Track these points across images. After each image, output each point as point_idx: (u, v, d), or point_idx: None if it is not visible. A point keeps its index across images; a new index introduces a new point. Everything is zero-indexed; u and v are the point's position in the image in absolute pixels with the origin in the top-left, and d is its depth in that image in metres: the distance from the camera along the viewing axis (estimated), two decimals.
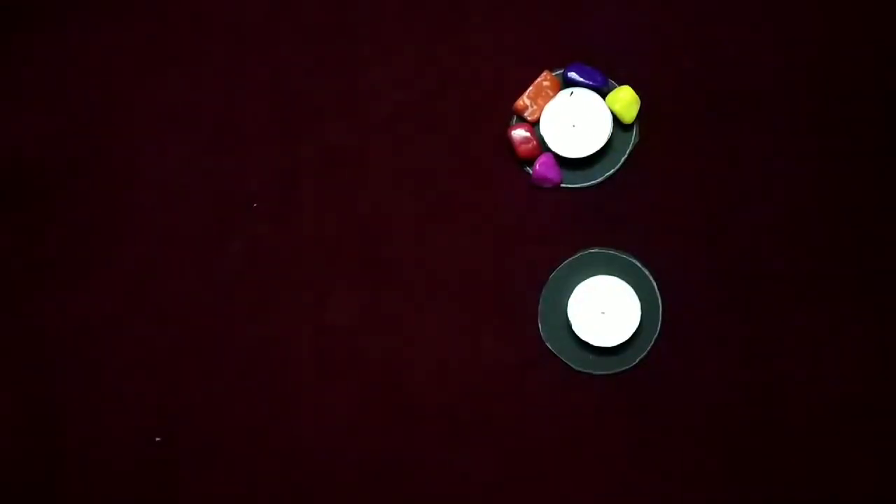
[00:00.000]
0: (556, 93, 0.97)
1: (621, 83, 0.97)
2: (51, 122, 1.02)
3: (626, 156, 0.97)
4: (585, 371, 0.94)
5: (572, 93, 0.97)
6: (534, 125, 0.98)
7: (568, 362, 0.95)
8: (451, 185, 0.98)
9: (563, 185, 0.97)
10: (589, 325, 0.93)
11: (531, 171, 0.98)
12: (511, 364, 0.95)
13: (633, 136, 0.97)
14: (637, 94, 0.96)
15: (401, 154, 0.99)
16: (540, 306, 0.96)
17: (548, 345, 0.95)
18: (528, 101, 0.98)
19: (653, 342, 0.94)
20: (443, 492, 0.93)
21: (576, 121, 0.96)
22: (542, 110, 0.97)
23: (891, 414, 0.91)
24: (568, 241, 0.96)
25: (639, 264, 0.95)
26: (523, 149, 0.97)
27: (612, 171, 0.96)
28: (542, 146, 0.97)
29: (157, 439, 0.95)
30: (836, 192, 0.95)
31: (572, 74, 0.97)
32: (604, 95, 0.97)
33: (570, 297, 0.94)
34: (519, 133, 0.97)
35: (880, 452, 0.91)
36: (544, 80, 0.98)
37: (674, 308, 0.94)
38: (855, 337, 0.93)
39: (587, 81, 0.97)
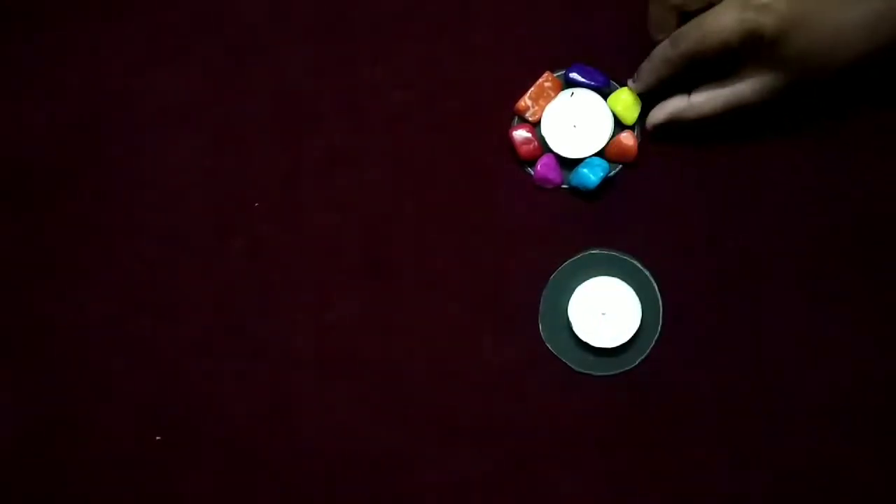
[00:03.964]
0: (557, 93, 0.97)
1: (623, 84, 0.97)
2: (51, 122, 1.02)
3: None
4: (586, 372, 0.94)
5: (573, 93, 0.97)
6: (535, 126, 0.98)
7: (568, 363, 0.95)
8: (452, 186, 0.98)
9: (563, 186, 0.97)
10: (589, 326, 0.93)
11: (532, 172, 0.98)
12: (511, 365, 0.95)
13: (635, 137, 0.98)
14: (638, 95, 0.96)
15: (401, 154, 0.99)
16: (540, 307, 0.96)
17: (548, 346, 0.95)
18: (529, 102, 0.98)
19: (653, 343, 0.94)
20: (442, 492, 0.93)
21: (577, 121, 0.96)
22: (543, 111, 0.97)
23: (891, 413, 0.91)
24: (568, 241, 0.96)
25: (639, 265, 0.95)
26: (524, 150, 0.97)
27: (612, 173, 0.96)
28: (544, 147, 0.97)
29: (158, 439, 0.95)
30: (838, 193, 0.95)
31: (574, 75, 0.97)
32: (605, 96, 0.97)
33: (570, 297, 0.94)
34: (520, 134, 0.97)
35: (881, 452, 0.91)
36: (546, 80, 0.98)
37: (674, 309, 0.94)
38: (855, 337, 0.93)
39: (588, 82, 0.97)
